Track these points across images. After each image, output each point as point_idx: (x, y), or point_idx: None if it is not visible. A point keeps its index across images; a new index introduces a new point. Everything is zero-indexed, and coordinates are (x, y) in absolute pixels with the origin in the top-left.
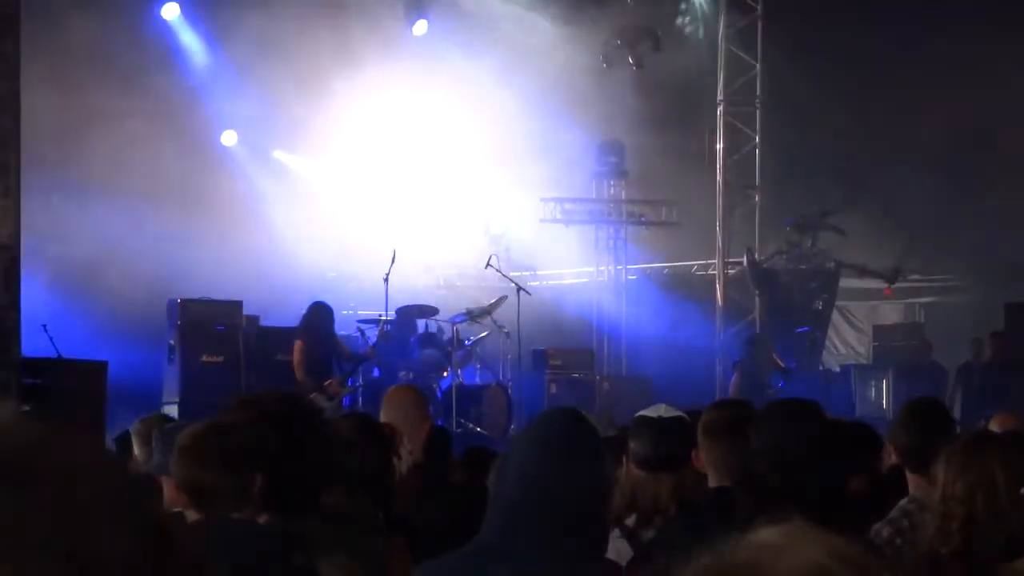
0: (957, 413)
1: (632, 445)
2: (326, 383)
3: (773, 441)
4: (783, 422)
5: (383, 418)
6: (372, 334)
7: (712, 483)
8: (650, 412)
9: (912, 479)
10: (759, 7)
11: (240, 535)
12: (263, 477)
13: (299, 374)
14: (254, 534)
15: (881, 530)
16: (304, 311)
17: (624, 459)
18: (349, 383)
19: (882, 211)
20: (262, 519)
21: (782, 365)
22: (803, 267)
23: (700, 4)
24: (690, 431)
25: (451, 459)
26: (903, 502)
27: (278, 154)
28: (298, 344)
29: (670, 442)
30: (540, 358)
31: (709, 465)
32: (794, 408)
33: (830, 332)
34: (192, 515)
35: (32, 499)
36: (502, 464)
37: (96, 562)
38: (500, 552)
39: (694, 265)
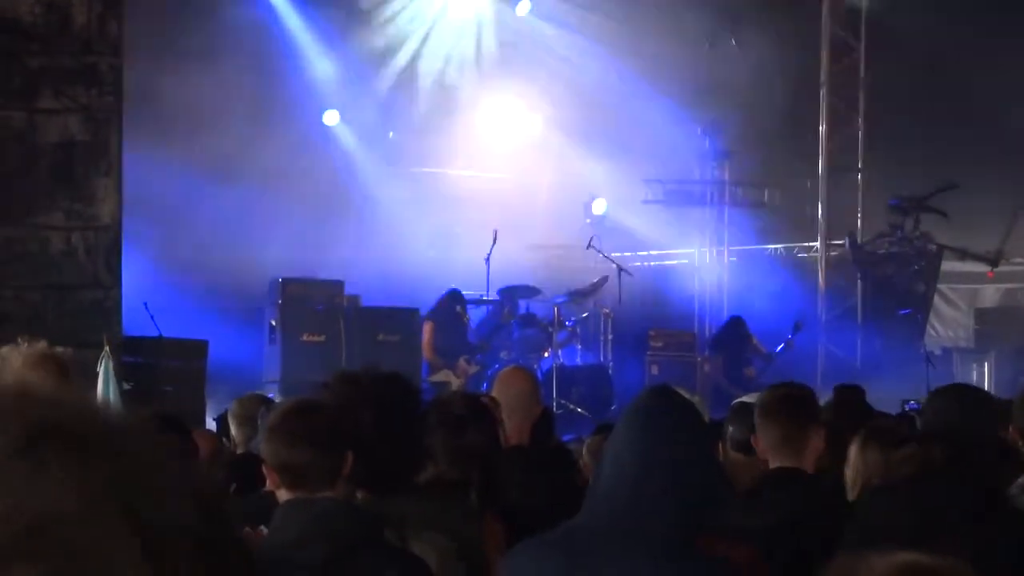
0: None
1: (731, 430)
2: (456, 362)
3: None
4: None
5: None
6: (472, 315)
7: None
8: (748, 399)
9: None
10: None
11: (330, 513)
12: (355, 455)
13: (427, 353)
14: (344, 512)
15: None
16: (405, 291)
17: (720, 443)
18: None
19: (985, 193)
20: (357, 497)
21: (764, 351)
22: (905, 250)
23: None
24: None
25: (555, 440)
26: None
27: (381, 135)
28: (427, 326)
29: None
30: (641, 339)
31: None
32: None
33: (931, 315)
34: (284, 495)
35: (87, 464)
36: (604, 448)
37: (156, 527)
38: (590, 535)
39: (796, 247)
